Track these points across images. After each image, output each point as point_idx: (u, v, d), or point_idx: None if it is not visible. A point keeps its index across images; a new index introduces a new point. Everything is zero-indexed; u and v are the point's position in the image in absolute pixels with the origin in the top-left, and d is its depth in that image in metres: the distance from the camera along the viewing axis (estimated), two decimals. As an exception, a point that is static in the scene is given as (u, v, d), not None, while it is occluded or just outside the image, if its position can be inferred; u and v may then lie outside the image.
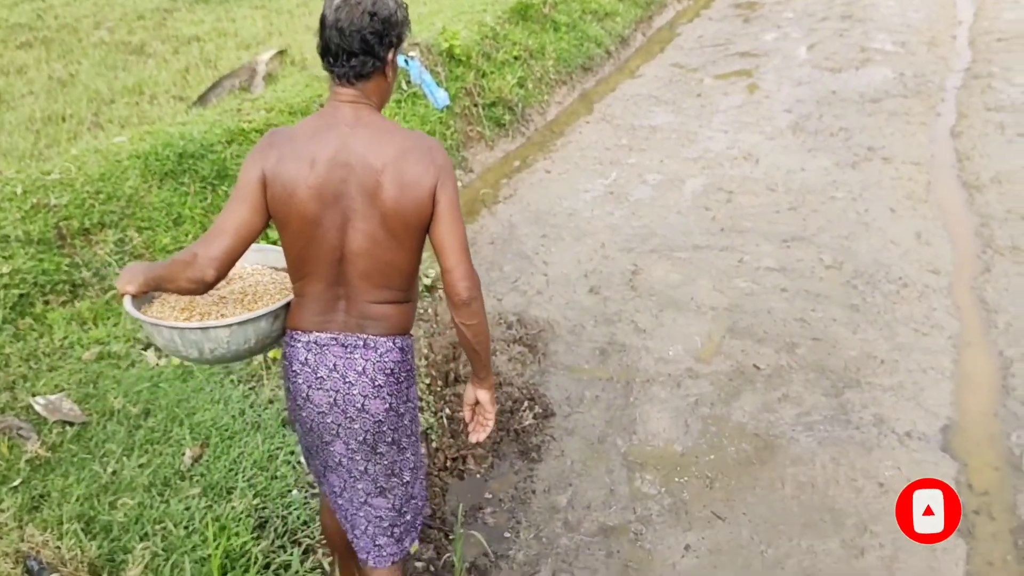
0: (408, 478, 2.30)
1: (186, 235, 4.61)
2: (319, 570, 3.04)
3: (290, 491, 3.32)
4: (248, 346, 2.21)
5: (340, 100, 2.07)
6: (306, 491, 3.32)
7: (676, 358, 4.20)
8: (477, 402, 2.34)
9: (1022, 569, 2.98)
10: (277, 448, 3.46)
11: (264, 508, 3.19)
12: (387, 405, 2.17)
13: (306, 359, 2.16)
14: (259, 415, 3.63)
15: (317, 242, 2.06)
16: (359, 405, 2.15)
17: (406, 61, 6.48)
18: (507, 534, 3.24)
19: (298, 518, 3.18)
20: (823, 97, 7.50)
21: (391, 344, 2.16)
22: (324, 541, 3.14)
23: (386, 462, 2.24)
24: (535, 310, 4.64)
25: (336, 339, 2.14)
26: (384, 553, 2.33)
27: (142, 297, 2.27)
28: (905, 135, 6.61)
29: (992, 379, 3.98)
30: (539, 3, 8.42)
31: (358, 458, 2.22)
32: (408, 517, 2.34)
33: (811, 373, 4.04)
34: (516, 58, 7.59)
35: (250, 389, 3.79)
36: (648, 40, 9.96)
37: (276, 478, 3.34)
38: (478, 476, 3.54)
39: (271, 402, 3.73)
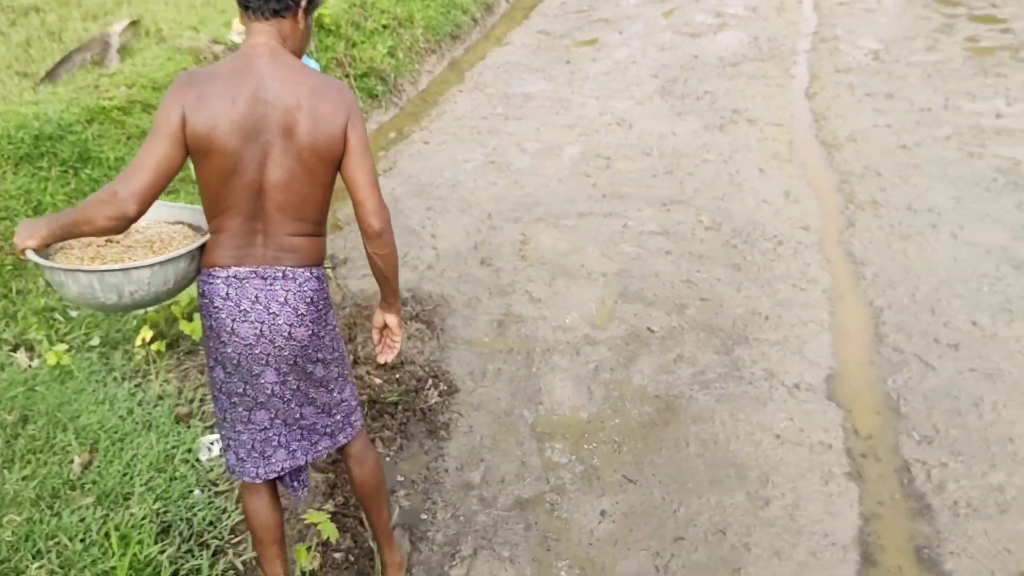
0: (334, 387, 2.46)
1: (47, 225, 4.28)
2: (232, 572, 2.93)
3: (192, 492, 3.17)
4: (167, 287, 2.25)
5: (257, 40, 2.19)
6: (208, 490, 3.18)
7: (573, 326, 4.25)
8: (385, 325, 2.51)
9: (909, 505, 3.21)
10: (173, 447, 3.29)
11: (166, 512, 3.03)
12: (310, 332, 2.31)
13: (227, 294, 2.23)
14: (149, 413, 3.44)
15: (237, 176, 2.15)
16: (286, 334, 2.27)
17: (272, 31, 6.20)
18: (424, 516, 3.21)
19: (203, 519, 3.04)
20: (686, 62, 7.72)
21: (309, 274, 2.29)
22: (234, 540, 3.03)
23: (316, 378, 2.39)
24: (428, 285, 4.59)
25: (255, 272, 2.23)
26: (320, 447, 2.50)
27: (42, 252, 2.21)
28: (765, 97, 6.90)
29: (865, 328, 4.24)
30: (403, -31, 8.24)
31: (290, 379, 2.34)
32: (338, 417, 2.51)
33: (702, 332, 4.18)
34: (385, 27, 7.42)
35: (136, 386, 3.59)
36: (512, 6, 9.94)
37: (175, 479, 3.18)
38: (387, 459, 3.48)
39: (160, 398, 3.54)
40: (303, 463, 2.48)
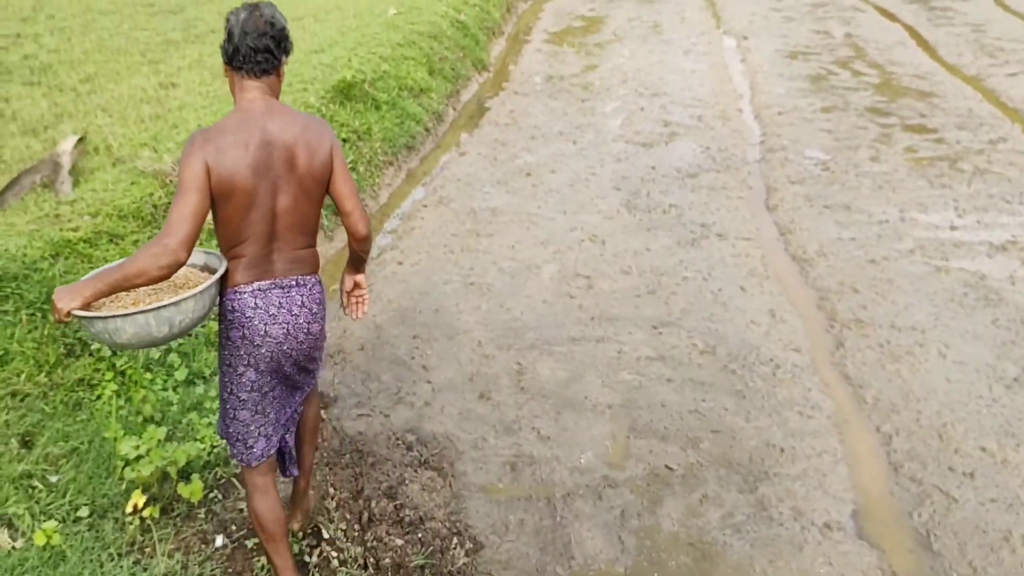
0: (315, 375, 3.10)
1: (18, 374, 3.93)
2: None
3: None
4: (203, 312, 2.68)
5: (251, 96, 2.70)
6: None
7: (589, 466, 4.09)
8: (356, 286, 3.10)
9: (970, 658, 3.12)
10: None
11: None
12: (320, 327, 2.92)
13: (255, 304, 2.74)
14: (158, 596, 3.10)
15: (255, 208, 2.65)
16: (305, 330, 2.84)
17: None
18: None
19: None
20: (645, 174, 7.83)
21: (315, 280, 2.88)
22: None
23: (311, 368, 3.02)
24: (429, 424, 4.37)
25: (275, 283, 2.76)
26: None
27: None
28: (729, 210, 7.02)
29: (877, 457, 4.22)
30: (360, 81, 8.20)
31: (298, 368, 2.93)
32: (307, 389, 3.09)
33: (721, 469, 4.08)
34: (345, 140, 7.31)
35: (135, 564, 3.24)
36: (460, 115, 9.99)
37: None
38: (418, 632, 3.22)
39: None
40: (291, 430, 3.08)
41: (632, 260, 6.16)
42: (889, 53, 12.16)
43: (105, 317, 2.48)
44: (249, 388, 2.81)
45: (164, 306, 2.51)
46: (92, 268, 4.65)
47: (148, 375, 4.23)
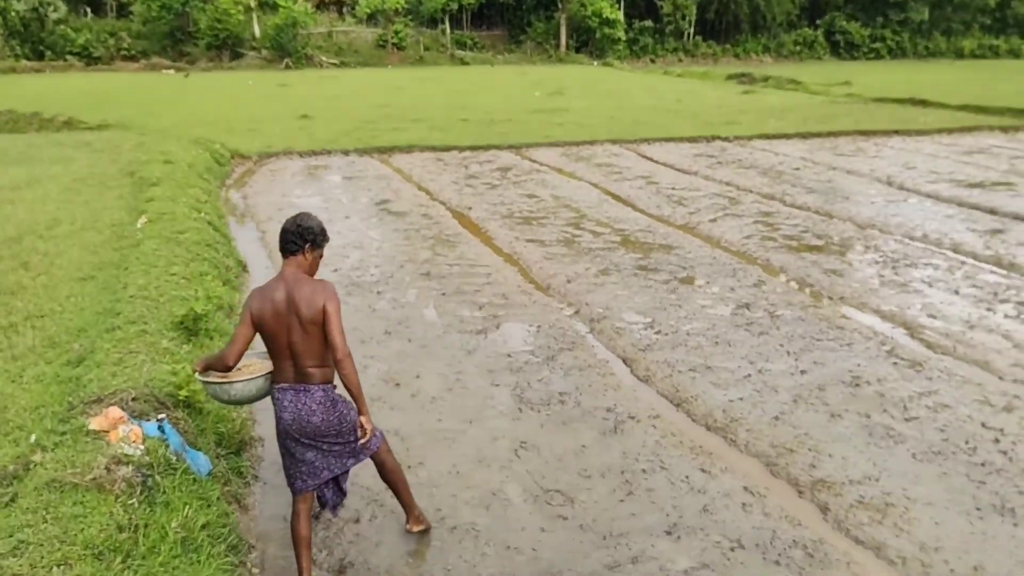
0: (346, 446, 4.58)
1: None
2: None
3: None
4: (250, 391, 4.57)
5: (285, 268, 4.39)
6: None
7: None
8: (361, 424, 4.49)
9: None
10: None
11: None
12: (320, 419, 4.42)
13: (279, 397, 4.43)
14: None
15: (277, 339, 4.34)
16: (306, 420, 4.40)
17: (160, 428, 4.98)
18: None
19: None
20: (507, 364, 7.75)
21: (318, 388, 4.41)
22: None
23: (331, 441, 4.51)
24: None
25: (291, 387, 4.41)
26: (347, 463, 4.68)
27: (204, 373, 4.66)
28: (612, 389, 7.19)
29: None
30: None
31: (307, 443, 4.48)
32: (358, 454, 4.69)
33: None
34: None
35: None
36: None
37: None
38: None
39: None
40: (335, 474, 4.67)
41: (581, 462, 6.04)
42: (600, 210, 13.57)
43: (199, 380, 4.73)
44: (280, 445, 4.56)
45: (216, 383, 4.55)
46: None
47: None
